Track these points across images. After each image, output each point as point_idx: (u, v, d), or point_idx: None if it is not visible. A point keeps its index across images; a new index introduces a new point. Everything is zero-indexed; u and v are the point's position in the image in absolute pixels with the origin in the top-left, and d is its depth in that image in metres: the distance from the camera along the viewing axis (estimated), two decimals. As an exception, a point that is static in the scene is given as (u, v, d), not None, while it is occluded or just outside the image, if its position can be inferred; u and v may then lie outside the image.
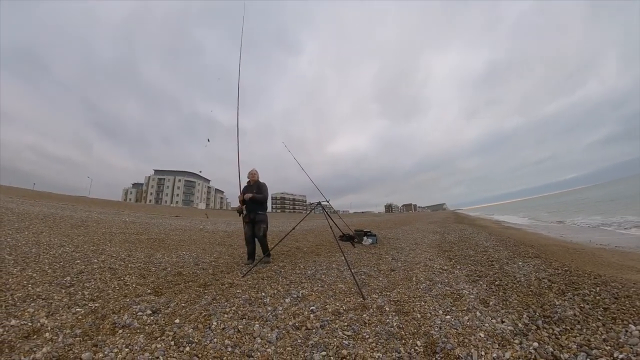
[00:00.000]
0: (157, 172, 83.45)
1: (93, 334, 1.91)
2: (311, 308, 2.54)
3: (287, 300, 2.73)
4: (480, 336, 2.00)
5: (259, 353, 1.83)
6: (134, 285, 2.95)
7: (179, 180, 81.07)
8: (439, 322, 2.24)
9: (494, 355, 1.79)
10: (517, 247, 5.46)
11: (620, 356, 1.70)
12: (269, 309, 2.51)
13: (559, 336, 1.97)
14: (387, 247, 6.35)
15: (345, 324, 2.23)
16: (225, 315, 2.33)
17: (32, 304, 2.26)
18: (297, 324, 2.22)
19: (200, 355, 1.77)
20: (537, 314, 2.29)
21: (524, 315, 2.28)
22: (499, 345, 1.89)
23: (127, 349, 1.77)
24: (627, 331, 1.92)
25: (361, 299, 2.79)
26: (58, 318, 2.09)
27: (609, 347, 1.79)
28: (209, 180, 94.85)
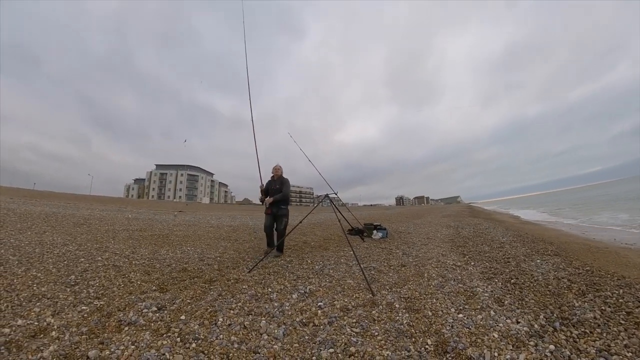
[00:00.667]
0: (158, 166, 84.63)
1: (99, 332, 1.99)
2: (319, 304, 2.58)
3: (294, 296, 2.78)
4: (493, 336, 2.00)
5: (265, 349, 1.87)
6: (138, 282, 3.03)
7: (182, 175, 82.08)
8: (451, 320, 2.24)
9: (508, 356, 1.79)
10: (535, 243, 5.37)
11: (643, 362, 1.67)
12: (276, 304, 2.56)
13: (577, 340, 1.94)
14: (397, 241, 6.35)
15: (354, 320, 2.26)
16: (232, 311, 2.39)
17: (38, 304, 2.34)
18: (304, 320, 2.26)
19: (206, 352, 1.82)
20: (555, 315, 2.27)
21: (541, 316, 2.26)
22: (513, 347, 1.88)
23: (133, 346, 1.83)
24: (651, 337, 1.88)
25: (370, 295, 2.82)
26: (64, 317, 2.17)
27: (631, 354, 1.76)
28: (213, 174, 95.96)
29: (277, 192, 4.61)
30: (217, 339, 1.97)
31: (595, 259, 4.06)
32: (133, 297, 2.60)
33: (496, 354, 1.81)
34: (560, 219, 13.71)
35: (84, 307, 2.34)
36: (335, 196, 6.42)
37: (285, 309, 2.47)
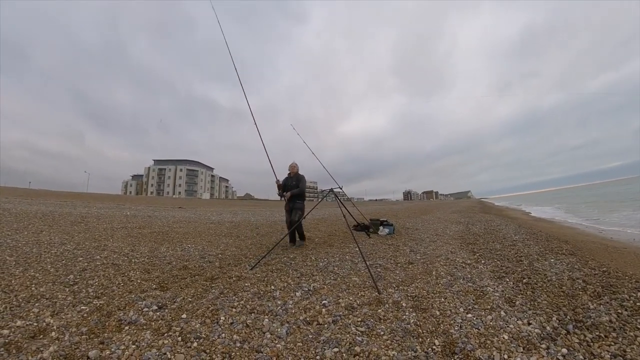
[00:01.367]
0: (156, 162, 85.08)
1: (99, 332, 2.03)
2: (323, 302, 2.61)
3: (297, 294, 2.82)
4: (503, 338, 2.00)
5: (268, 349, 1.90)
6: (138, 281, 3.09)
7: (181, 170, 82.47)
8: (460, 320, 2.25)
9: (518, 359, 1.80)
10: (549, 242, 5.34)
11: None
12: (279, 303, 2.60)
13: (591, 343, 1.94)
14: (405, 238, 6.37)
15: (359, 319, 2.29)
16: (234, 310, 2.43)
17: (37, 304, 2.40)
18: (308, 319, 2.29)
19: (208, 351, 1.86)
20: (568, 317, 2.27)
21: (554, 318, 2.26)
22: (523, 349, 1.89)
23: (133, 346, 1.87)
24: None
25: (376, 293, 2.84)
26: (63, 317, 2.22)
27: (647, 359, 1.76)
28: (213, 169, 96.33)
29: (294, 188, 5.09)
30: (219, 337, 2.00)
31: (612, 260, 4.03)
32: (133, 296, 2.65)
33: (506, 357, 1.82)
34: (577, 217, 13.56)
35: (84, 307, 2.39)
36: (340, 190, 6.42)
37: (289, 307, 2.50)
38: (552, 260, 3.95)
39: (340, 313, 2.39)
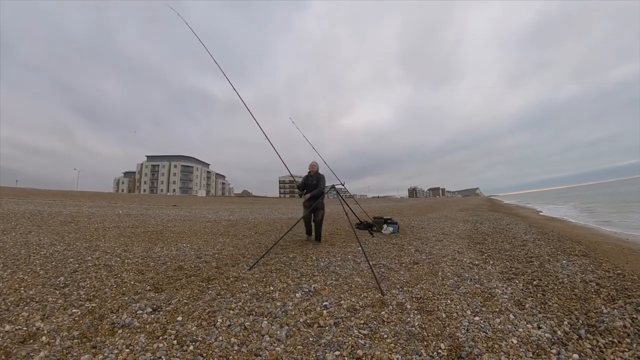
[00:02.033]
0: (149, 158, 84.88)
1: (91, 336, 2.05)
2: (324, 304, 2.62)
3: (297, 295, 2.83)
4: (512, 342, 2.01)
5: (267, 352, 1.92)
6: (132, 282, 3.10)
7: (175, 166, 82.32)
8: (467, 323, 2.26)
9: (527, 364, 1.81)
10: (561, 242, 5.34)
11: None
12: (278, 304, 2.62)
13: (604, 349, 1.95)
14: (410, 237, 6.38)
15: (362, 321, 2.30)
16: (231, 312, 2.45)
17: (26, 308, 2.41)
18: (308, 321, 2.31)
19: (204, 355, 1.87)
20: (580, 321, 2.27)
21: (565, 322, 2.26)
22: (533, 354, 1.90)
23: (127, 350, 1.89)
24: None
25: (380, 294, 2.85)
26: (54, 320, 2.23)
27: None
28: (208, 164, 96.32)
29: (314, 187, 5.39)
30: (216, 340, 2.02)
31: (627, 262, 4.02)
32: (126, 298, 2.67)
33: (514, 361, 1.83)
34: (590, 216, 13.53)
35: (75, 310, 2.41)
36: (342, 187, 6.42)
37: (288, 309, 2.52)
38: (564, 261, 3.95)
39: (342, 315, 2.41)
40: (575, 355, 1.88)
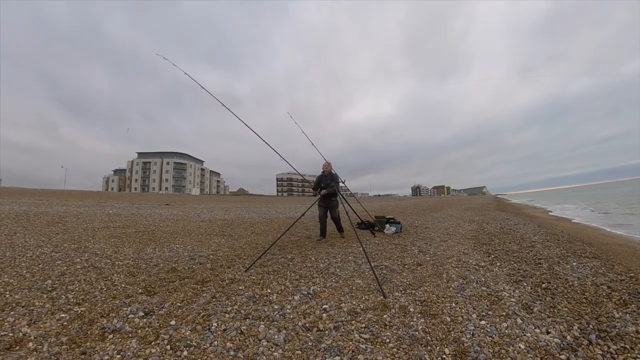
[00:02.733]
0: (140, 154, 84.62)
1: (81, 341, 2.05)
2: (324, 307, 2.63)
3: (296, 298, 2.84)
4: (519, 347, 2.02)
5: (264, 357, 1.92)
6: (123, 285, 3.11)
7: (167, 163, 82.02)
8: (472, 327, 2.27)
9: (535, 370, 1.81)
10: (571, 244, 5.35)
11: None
12: (276, 307, 2.63)
13: (615, 355, 1.95)
14: (413, 237, 6.39)
15: (363, 325, 2.31)
16: (227, 315, 2.46)
17: (12, 313, 2.41)
18: (307, 325, 2.32)
19: (199, 360, 1.88)
20: (591, 326, 2.28)
21: (575, 327, 2.27)
22: (541, 360, 1.91)
23: (118, 356, 1.89)
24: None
25: (381, 297, 2.86)
26: (41, 326, 2.23)
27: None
28: (203, 161, 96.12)
29: (328, 186, 5.79)
30: (211, 345, 2.03)
31: (641, 264, 4.04)
32: (117, 302, 2.67)
33: (522, 367, 1.84)
34: (602, 217, 13.56)
35: (63, 315, 2.41)
36: (343, 185, 6.43)
37: (287, 312, 2.53)
38: (574, 263, 3.97)
39: (343, 318, 2.41)
40: (586, 361, 1.88)
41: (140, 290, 2.99)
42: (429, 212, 15.29)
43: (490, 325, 2.30)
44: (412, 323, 2.35)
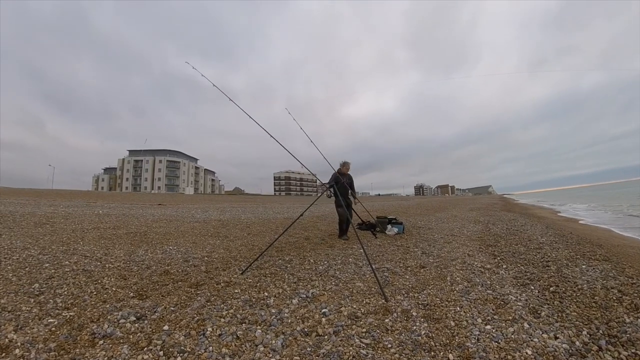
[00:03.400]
0: (132, 152, 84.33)
1: (70, 347, 2.04)
2: (323, 311, 2.63)
3: (294, 301, 2.84)
4: (527, 353, 2.02)
5: (261, 363, 1.92)
6: (113, 289, 3.10)
7: (160, 161, 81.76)
8: (477, 332, 2.28)
9: (543, 376, 1.82)
10: (580, 245, 5.37)
11: None
12: (273, 311, 2.63)
13: (626, 362, 1.96)
14: (416, 238, 6.41)
15: (364, 330, 2.31)
16: (222, 320, 2.45)
17: None
18: (306, 330, 2.32)
19: (193, 366, 1.88)
20: (601, 331, 2.29)
21: (584, 332, 2.28)
22: (549, 366, 1.92)
23: None
24: None
25: (383, 300, 2.87)
26: (28, 331, 2.22)
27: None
28: (197, 159, 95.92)
29: (346, 186, 6.22)
30: (205, 351, 2.02)
31: (653, 267, 4.05)
32: (108, 306, 2.67)
33: (529, 374, 1.85)
34: (613, 218, 13.59)
35: (52, 320, 2.40)
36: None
37: (284, 317, 2.53)
38: (583, 266, 3.98)
39: (343, 323, 2.42)
40: (595, 368, 1.89)
41: (131, 294, 2.98)
42: (432, 212, 15.32)
43: (496, 330, 2.30)
44: (414, 328, 2.35)
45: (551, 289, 3.17)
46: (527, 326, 2.37)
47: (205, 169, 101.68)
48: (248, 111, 4.62)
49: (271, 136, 4.59)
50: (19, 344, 2.06)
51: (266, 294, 3.03)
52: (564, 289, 3.15)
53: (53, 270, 3.60)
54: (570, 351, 2.06)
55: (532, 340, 2.17)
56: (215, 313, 2.57)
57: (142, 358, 1.93)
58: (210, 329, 2.30)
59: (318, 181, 5.97)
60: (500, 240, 6.10)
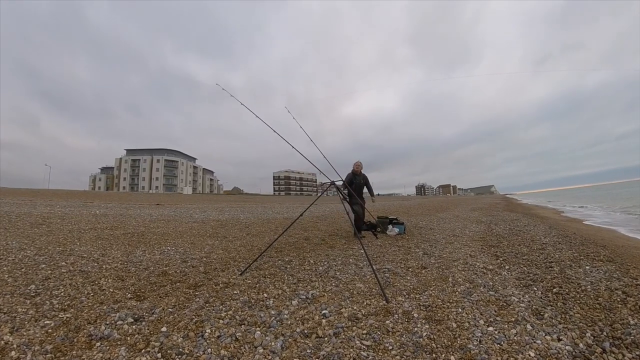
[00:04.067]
0: (129, 151, 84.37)
1: (66, 350, 2.04)
2: (323, 312, 2.64)
3: (294, 303, 2.85)
4: (529, 355, 2.03)
5: (260, 364, 1.93)
6: (111, 290, 3.11)
7: (158, 161, 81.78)
8: (479, 334, 2.28)
9: (546, 379, 1.82)
10: (584, 246, 5.37)
11: None
12: (273, 312, 2.63)
13: (631, 364, 1.96)
14: (417, 238, 6.41)
15: (364, 331, 2.32)
16: (221, 321, 2.46)
17: None
18: (306, 331, 2.32)
19: (192, 368, 1.89)
20: (605, 333, 2.29)
21: (588, 334, 2.28)
22: (552, 368, 1.92)
23: None
24: None
25: (384, 301, 2.87)
26: (24, 333, 2.22)
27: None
28: (195, 159, 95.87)
29: (361, 186, 6.54)
30: (204, 353, 2.03)
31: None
32: (105, 308, 2.67)
33: (532, 376, 1.85)
34: (617, 218, 13.60)
35: (48, 322, 2.40)
36: (343, 183, 6.40)
37: (284, 318, 2.53)
38: (587, 267, 3.98)
39: (343, 324, 2.42)
40: (599, 370, 1.89)
41: (129, 295, 2.98)
42: (434, 212, 15.32)
43: (499, 332, 2.30)
44: (416, 329, 2.35)
45: (554, 290, 3.17)
46: (530, 328, 2.37)
47: (203, 169, 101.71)
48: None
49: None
50: (15, 346, 2.06)
51: (265, 295, 3.03)
52: (567, 290, 3.15)
53: (49, 271, 3.61)
54: (574, 353, 2.06)
55: (535, 342, 2.17)
56: (214, 314, 2.57)
57: (140, 360, 1.94)
58: (208, 330, 2.30)
59: (322, 179, 5.99)
60: (503, 240, 6.11)
